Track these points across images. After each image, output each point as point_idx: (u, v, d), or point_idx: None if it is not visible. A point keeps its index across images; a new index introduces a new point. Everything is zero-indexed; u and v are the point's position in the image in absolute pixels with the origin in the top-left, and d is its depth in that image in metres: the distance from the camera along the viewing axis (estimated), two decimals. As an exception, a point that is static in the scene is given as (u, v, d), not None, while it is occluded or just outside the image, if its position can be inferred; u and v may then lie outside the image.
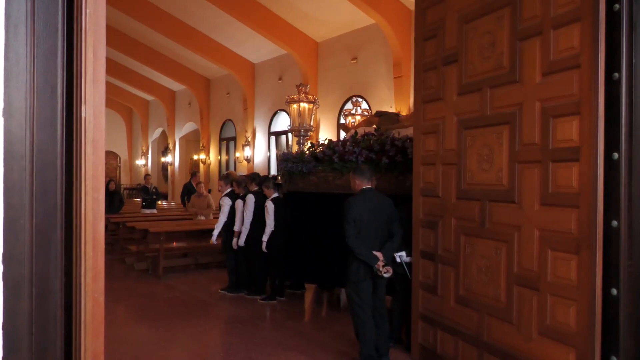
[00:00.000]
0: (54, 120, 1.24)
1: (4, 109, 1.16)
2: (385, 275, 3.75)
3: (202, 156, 15.67)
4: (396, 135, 5.02)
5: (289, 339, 4.64)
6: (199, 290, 6.60)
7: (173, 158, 17.32)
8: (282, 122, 12.17)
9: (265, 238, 5.83)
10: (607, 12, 2.45)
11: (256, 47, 11.93)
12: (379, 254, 3.77)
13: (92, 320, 1.26)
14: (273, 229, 5.83)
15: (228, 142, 14.95)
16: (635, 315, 2.39)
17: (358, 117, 8.52)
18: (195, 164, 16.70)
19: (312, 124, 8.07)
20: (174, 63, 14.37)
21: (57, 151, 1.25)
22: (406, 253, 4.09)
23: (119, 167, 20.64)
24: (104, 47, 1.28)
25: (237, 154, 13.95)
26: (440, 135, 3.73)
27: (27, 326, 1.19)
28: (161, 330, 4.97)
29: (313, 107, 7.93)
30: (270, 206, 5.85)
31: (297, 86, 8.08)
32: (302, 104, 7.75)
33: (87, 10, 1.24)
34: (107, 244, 7.87)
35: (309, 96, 7.90)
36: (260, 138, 13.02)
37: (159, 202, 11.91)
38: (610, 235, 2.45)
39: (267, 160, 12.83)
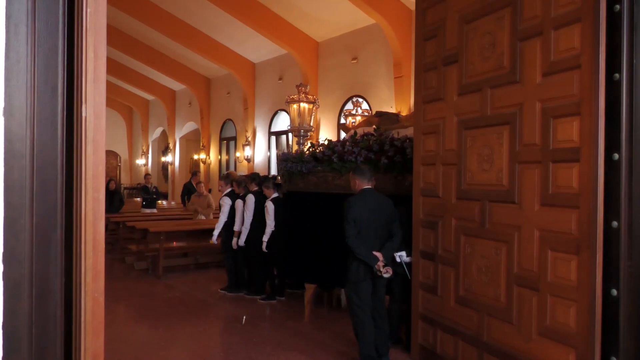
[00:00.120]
0: (55, 119, 1.24)
1: (5, 108, 1.16)
2: (385, 275, 3.75)
3: (203, 156, 15.67)
4: (395, 136, 5.02)
5: (289, 338, 4.64)
6: (198, 290, 6.61)
7: (173, 158, 17.33)
8: (283, 122, 12.17)
9: (265, 238, 5.83)
10: (608, 13, 2.45)
11: (256, 47, 11.93)
12: (378, 254, 3.77)
13: (92, 320, 1.26)
14: (273, 229, 5.83)
15: (228, 141, 14.95)
16: (635, 316, 2.39)
17: (358, 118, 8.53)
18: (196, 163, 16.70)
19: (312, 124, 8.08)
20: (174, 62, 14.38)
21: (57, 150, 1.25)
22: (406, 253, 4.09)
23: (119, 166, 20.64)
24: (104, 46, 1.28)
25: (238, 154, 13.95)
26: (440, 136, 3.73)
27: (27, 326, 1.19)
28: (161, 330, 4.97)
29: (313, 107, 7.94)
30: (270, 206, 5.85)
31: (297, 86, 8.09)
32: (301, 104, 7.75)
33: (88, 10, 1.24)
34: (107, 243, 7.87)
35: (309, 96, 7.90)
36: (261, 138, 13.03)
37: (159, 201, 11.92)
38: (610, 236, 2.45)
39: (267, 160, 12.83)
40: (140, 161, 19.87)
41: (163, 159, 18.95)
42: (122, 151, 20.60)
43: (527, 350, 2.92)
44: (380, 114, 6.59)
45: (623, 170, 2.39)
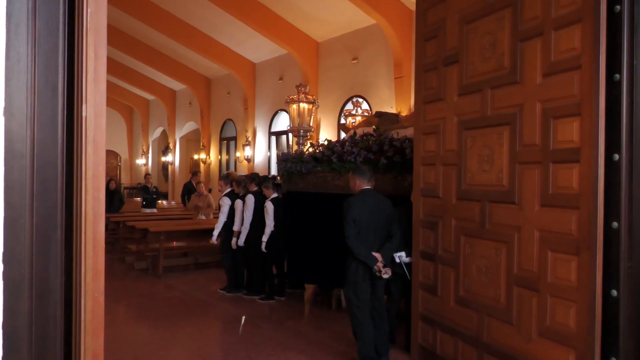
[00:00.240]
0: (55, 119, 1.24)
1: (5, 108, 1.16)
2: (384, 276, 3.75)
3: (203, 156, 15.67)
4: (395, 136, 5.02)
5: (289, 338, 4.64)
6: (198, 290, 6.61)
7: (173, 157, 17.32)
8: (283, 122, 12.17)
9: (265, 238, 5.83)
10: (608, 13, 2.44)
11: (257, 47, 11.93)
12: (378, 255, 3.77)
13: (92, 320, 1.26)
14: (272, 229, 5.83)
15: (228, 141, 14.95)
16: (635, 317, 2.39)
17: (358, 118, 8.53)
18: (196, 163, 16.70)
19: (312, 124, 8.08)
20: (174, 62, 14.38)
21: (57, 150, 1.25)
22: (405, 253, 4.08)
23: (120, 166, 20.64)
24: (104, 46, 1.28)
25: (238, 154, 13.95)
26: (440, 136, 3.72)
27: (27, 326, 1.19)
28: (161, 330, 4.97)
29: (312, 107, 7.94)
30: (269, 206, 5.85)
31: (297, 86, 8.09)
32: (301, 104, 7.75)
33: (88, 10, 1.23)
34: (107, 243, 7.87)
35: (309, 96, 7.91)
36: (261, 138, 13.03)
37: (159, 201, 11.92)
38: (610, 237, 2.45)
39: (267, 160, 12.83)
40: (140, 161, 19.87)
41: (163, 158, 18.95)
42: (122, 151, 20.60)
43: (527, 351, 2.92)
44: (379, 114, 6.58)
45: (623, 170, 2.39)
